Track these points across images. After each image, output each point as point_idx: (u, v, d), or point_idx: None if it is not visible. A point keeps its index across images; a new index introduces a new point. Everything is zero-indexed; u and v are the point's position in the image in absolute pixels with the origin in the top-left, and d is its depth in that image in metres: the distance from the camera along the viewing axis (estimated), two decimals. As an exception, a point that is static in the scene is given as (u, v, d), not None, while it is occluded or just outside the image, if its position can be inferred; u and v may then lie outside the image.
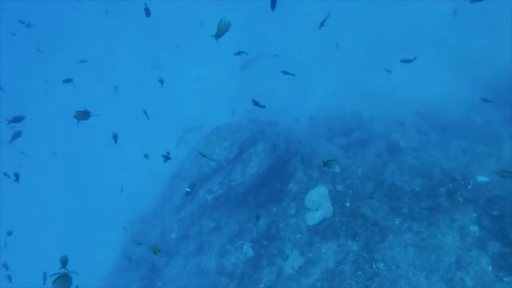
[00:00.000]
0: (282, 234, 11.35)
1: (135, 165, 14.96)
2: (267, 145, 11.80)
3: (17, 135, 10.18)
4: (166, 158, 9.47)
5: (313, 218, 10.82)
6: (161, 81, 12.64)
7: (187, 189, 11.24)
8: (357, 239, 10.49)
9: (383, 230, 10.56)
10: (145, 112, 12.19)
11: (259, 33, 24.15)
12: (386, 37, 17.32)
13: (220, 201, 12.27)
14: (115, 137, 10.51)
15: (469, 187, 10.56)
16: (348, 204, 10.94)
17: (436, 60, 17.68)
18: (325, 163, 7.45)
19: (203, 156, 10.14)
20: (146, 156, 13.28)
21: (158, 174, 18.24)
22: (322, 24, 11.95)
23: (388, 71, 13.38)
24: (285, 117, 16.89)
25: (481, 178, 11.18)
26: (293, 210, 11.40)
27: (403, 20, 18.41)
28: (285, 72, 10.86)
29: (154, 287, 13.52)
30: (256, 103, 8.81)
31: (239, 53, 10.35)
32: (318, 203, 10.84)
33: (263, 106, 8.72)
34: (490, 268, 9.19)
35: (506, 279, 8.87)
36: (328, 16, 11.53)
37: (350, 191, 11.05)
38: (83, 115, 7.72)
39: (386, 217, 10.79)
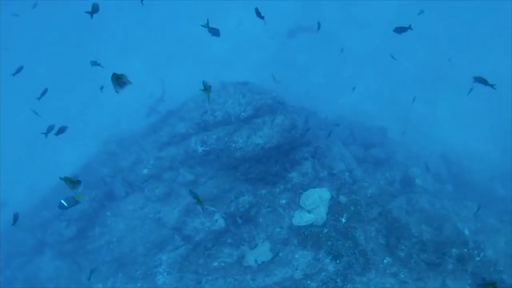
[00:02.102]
0: (260, 220, 9.98)
1: (135, 83, 13.18)
2: (285, 121, 10.24)
3: None
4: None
5: (301, 218, 9.45)
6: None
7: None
8: (337, 261, 9.18)
9: (368, 263, 9.27)
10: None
11: (316, 6, 21.99)
12: (447, 62, 15.40)
13: (209, 157, 10.79)
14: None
15: (477, 258, 9.30)
16: (343, 220, 9.56)
17: (488, 113, 16.09)
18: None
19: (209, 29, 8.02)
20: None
21: (156, 102, 16.66)
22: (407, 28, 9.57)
23: (471, 90, 11.42)
24: (308, 102, 15.29)
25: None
26: (284, 201, 9.98)
27: (478, 53, 16.51)
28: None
29: (102, 214, 12.16)
30: (258, 13, 7.80)
31: None
32: (314, 205, 9.44)
33: (263, 17, 7.69)
34: None
35: None
36: (422, 12, 9.45)
37: (352, 208, 9.67)
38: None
39: (376, 251, 9.48)
